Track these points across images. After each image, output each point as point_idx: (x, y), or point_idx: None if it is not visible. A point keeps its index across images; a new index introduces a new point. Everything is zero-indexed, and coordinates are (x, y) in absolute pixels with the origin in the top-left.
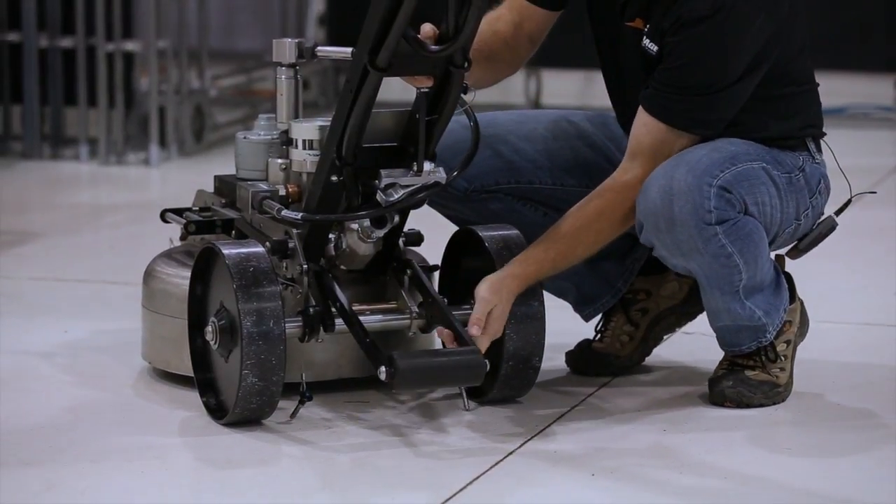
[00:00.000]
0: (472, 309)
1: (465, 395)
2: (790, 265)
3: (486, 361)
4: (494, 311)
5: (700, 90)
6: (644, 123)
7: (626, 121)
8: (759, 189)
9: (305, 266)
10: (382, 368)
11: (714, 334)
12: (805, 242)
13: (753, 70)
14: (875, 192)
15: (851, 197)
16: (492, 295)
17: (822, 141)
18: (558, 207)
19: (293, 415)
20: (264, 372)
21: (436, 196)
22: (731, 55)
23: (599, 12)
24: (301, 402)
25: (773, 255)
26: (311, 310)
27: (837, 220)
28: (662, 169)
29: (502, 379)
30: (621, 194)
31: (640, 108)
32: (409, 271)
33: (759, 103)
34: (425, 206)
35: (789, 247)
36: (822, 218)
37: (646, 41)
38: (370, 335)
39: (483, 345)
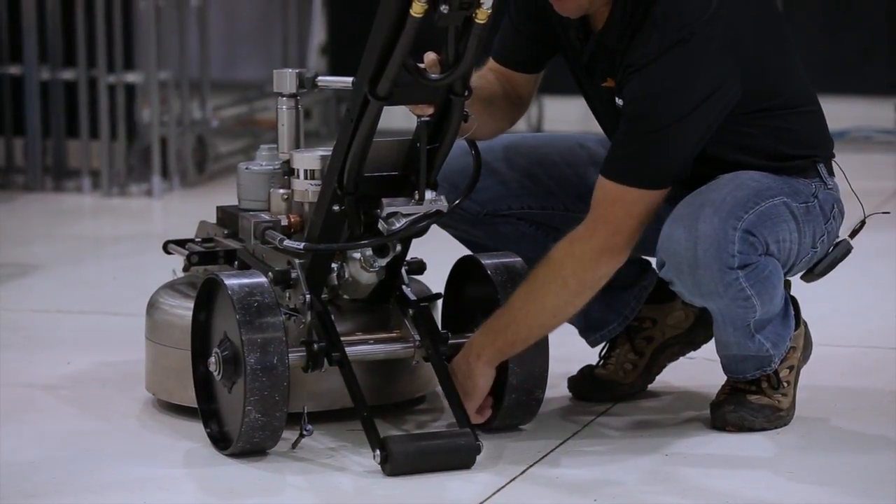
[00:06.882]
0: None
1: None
2: (797, 287)
3: (481, 444)
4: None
5: (651, 129)
6: (601, 187)
7: None
8: (781, 227)
9: (308, 296)
10: (377, 451)
11: (718, 359)
12: (820, 268)
13: (706, 104)
14: (889, 213)
15: (865, 218)
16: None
17: (833, 163)
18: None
19: (294, 445)
20: (267, 408)
21: (447, 218)
22: (681, 89)
23: (577, 75)
24: (301, 437)
25: None
26: (315, 345)
27: (852, 242)
28: (687, 208)
29: (505, 410)
30: (580, 263)
31: (599, 176)
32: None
33: (759, 127)
34: (429, 233)
35: (802, 272)
36: (837, 241)
37: (617, 100)
38: (367, 408)
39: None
